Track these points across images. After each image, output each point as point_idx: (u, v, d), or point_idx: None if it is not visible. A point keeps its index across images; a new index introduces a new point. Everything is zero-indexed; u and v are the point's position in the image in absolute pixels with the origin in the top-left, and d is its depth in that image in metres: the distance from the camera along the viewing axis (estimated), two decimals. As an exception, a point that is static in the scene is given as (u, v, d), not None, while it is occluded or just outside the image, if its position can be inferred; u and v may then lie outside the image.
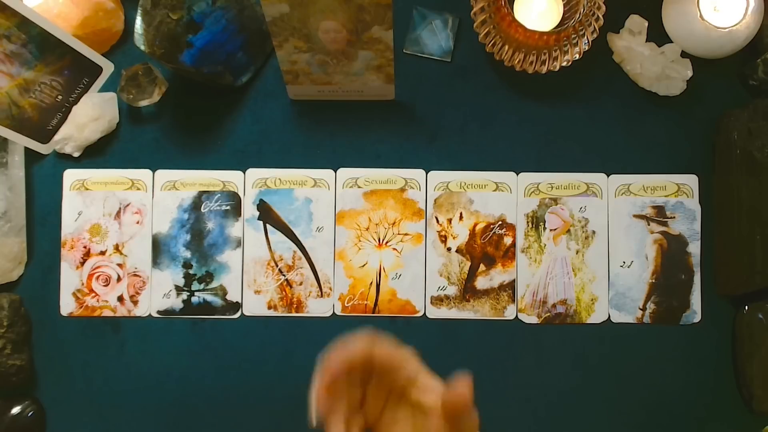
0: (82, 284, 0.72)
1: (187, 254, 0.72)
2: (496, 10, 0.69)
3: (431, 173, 0.73)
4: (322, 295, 0.72)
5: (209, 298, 0.72)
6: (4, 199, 0.70)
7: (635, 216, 0.72)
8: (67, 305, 0.72)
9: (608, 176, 0.73)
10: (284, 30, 0.61)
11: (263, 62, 0.74)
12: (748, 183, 0.68)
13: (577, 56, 0.71)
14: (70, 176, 0.73)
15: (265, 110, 0.74)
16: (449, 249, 0.72)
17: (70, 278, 0.72)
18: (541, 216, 0.72)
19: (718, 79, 0.74)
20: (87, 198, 0.73)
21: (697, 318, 0.72)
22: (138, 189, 0.73)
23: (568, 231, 0.72)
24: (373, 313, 0.72)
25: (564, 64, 0.71)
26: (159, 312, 0.72)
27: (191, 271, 0.72)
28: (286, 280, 0.72)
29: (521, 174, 0.73)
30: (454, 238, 0.72)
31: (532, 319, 0.72)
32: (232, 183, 0.73)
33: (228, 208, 0.73)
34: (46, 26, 0.65)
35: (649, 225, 0.72)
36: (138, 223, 0.73)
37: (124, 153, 0.74)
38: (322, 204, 0.73)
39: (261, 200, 0.73)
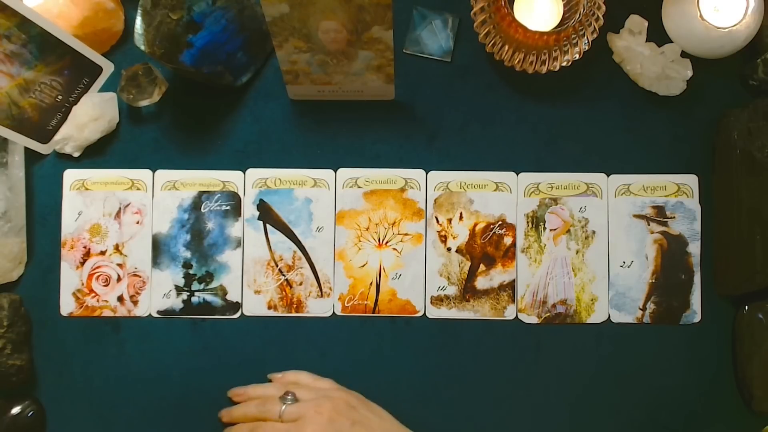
0: (82, 284, 0.72)
1: (187, 254, 0.72)
2: (496, 10, 0.69)
3: (431, 173, 0.73)
4: (322, 295, 0.72)
5: (209, 298, 0.72)
6: (4, 199, 0.70)
7: (635, 216, 0.72)
8: (67, 305, 0.72)
9: (608, 176, 0.73)
10: (284, 30, 0.61)
11: (263, 62, 0.74)
12: (748, 183, 0.68)
13: (577, 56, 0.71)
14: (70, 176, 0.73)
15: (265, 110, 0.74)
16: (449, 249, 0.72)
17: (70, 278, 0.72)
18: (541, 216, 0.72)
19: (718, 79, 0.74)
20: (87, 198, 0.73)
21: (697, 318, 0.72)
22: (138, 189, 0.73)
23: (568, 231, 0.72)
24: (373, 313, 0.72)
25: (564, 64, 0.71)
26: (159, 312, 0.72)
27: (191, 271, 0.72)
28: (286, 280, 0.72)
29: (521, 174, 0.73)
30: (454, 238, 0.72)
31: (532, 319, 0.72)
32: (232, 183, 0.73)
33: (228, 208, 0.73)
34: (46, 26, 0.65)
35: (649, 225, 0.72)
36: (138, 223, 0.73)
37: (124, 153, 0.74)
38: (322, 204, 0.73)
39: (261, 200, 0.73)
